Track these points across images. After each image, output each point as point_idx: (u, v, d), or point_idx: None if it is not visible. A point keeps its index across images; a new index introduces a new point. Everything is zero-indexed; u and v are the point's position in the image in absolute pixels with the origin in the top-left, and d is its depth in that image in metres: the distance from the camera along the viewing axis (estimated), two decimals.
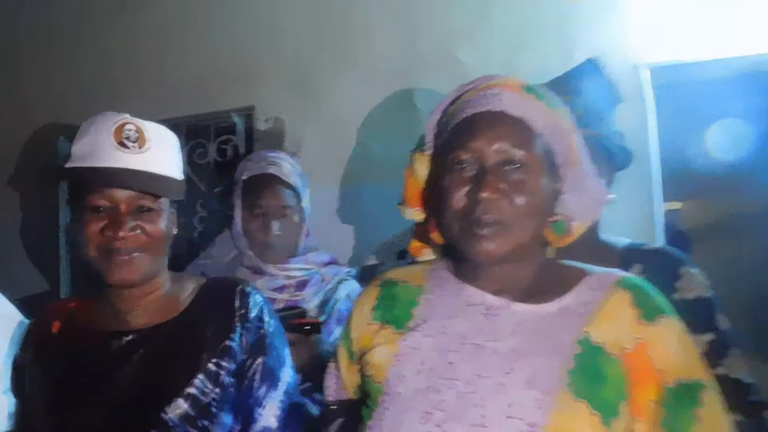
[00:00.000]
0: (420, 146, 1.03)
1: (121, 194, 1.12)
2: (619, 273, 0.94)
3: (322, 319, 1.66)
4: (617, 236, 1.42)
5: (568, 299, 0.90)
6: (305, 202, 1.81)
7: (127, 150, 1.13)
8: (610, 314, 0.87)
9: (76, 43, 2.74)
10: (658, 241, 1.97)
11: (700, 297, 1.25)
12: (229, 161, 2.54)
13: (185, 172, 2.43)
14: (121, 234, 1.11)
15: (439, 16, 2.25)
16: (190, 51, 2.58)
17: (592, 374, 0.83)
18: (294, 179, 1.76)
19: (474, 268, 0.94)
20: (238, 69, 2.50)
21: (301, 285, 1.76)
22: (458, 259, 0.97)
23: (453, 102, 0.98)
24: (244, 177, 1.77)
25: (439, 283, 0.98)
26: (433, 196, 0.97)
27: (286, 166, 1.77)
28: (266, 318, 1.22)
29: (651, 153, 2.04)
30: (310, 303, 1.72)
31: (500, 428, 0.81)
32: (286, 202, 1.74)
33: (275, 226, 1.72)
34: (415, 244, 1.09)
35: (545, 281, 0.93)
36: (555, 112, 0.94)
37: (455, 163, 0.91)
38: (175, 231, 1.24)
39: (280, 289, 1.74)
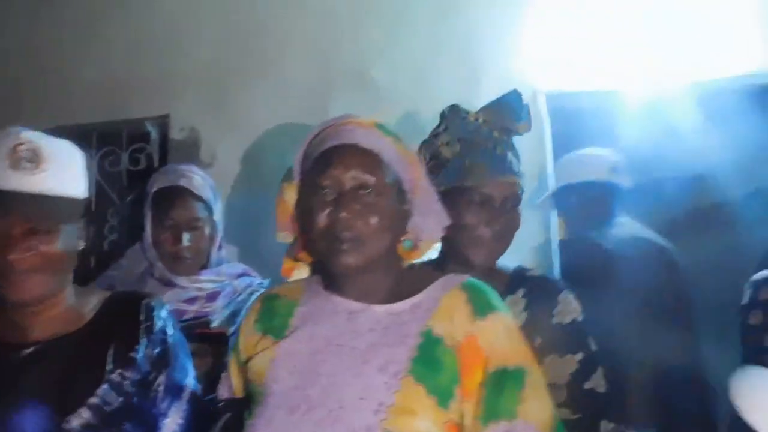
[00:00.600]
0: (288, 177, 1.17)
1: (15, 218, 1.11)
2: (463, 277, 1.10)
3: (232, 329, 1.69)
4: (517, 261, 1.52)
5: (418, 298, 1.06)
6: (217, 215, 1.83)
7: (22, 171, 1.11)
8: (448, 310, 1.03)
9: None
10: (555, 264, 2.12)
11: (575, 320, 1.38)
12: (142, 170, 2.51)
13: (96, 180, 2.40)
14: (11, 258, 1.10)
15: (352, 34, 2.34)
16: (103, 55, 2.54)
17: (431, 362, 0.98)
18: (205, 192, 1.78)
19: (339, 279, 1.08)
20: (153, 76, 2.49)
21: (212, 296, 1.78)
22: (326, 273, 1.12)
23: (315, 137, 1.12)
24: (154, 189, 1.78)
25: (312, 295, 1.13)
26: (300, 220, 1.10)
27: (197, 179, 1.78)
28: (170, 331, 1.26)
29: (548, 177, 2.20)
30: (220, 314, 1.74)
31: (354, 409, 0.95)
32: (197, 215, 1.75)
33: (185, 238, 1.73)
34: (286, 265, 1.23)
35: (401, 286, 1.09)
36: (401, 146, 1.11)
37: (318, 188, 1.05)
38: (81, 245, 1.24)
39: (191, 300, 1.75)
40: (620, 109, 2.19)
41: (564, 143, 2.26)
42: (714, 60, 2.09)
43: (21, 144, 1.12)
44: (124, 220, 2.53)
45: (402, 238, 1.11)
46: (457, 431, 0.97)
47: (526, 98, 1.47)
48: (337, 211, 1.02)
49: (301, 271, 1.23)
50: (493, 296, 1.06)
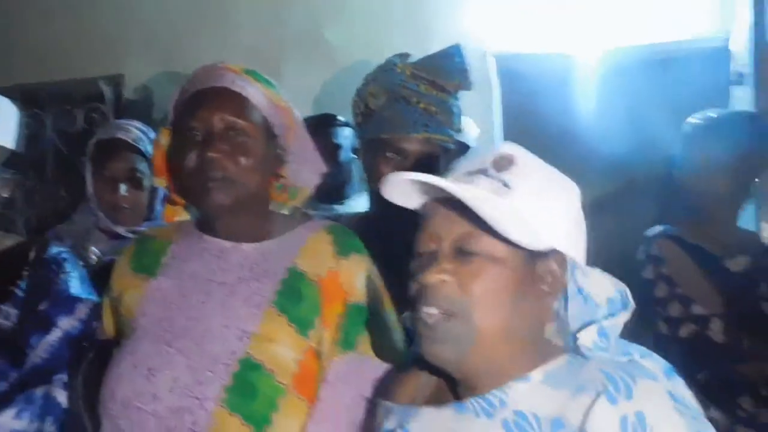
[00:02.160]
0: (164, 123, 1.18)
1: None
2: (329, 222, 1.18)
3: None
4: None
5: (285, 237, 1.11)
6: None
7: None
8: (314, 249, 1.09)
9: None
10: None
11: None
12: (95, 129, 2.51)
13: (50, 139, 2.40)
14: None
15: None
16: (54, 14, 2.52)
17: (294, 294, 1.05)
18: (144, 145, 1.80)
19: (209, 219, 1.11)
20: (105, 36, 2.48)
21: None
22: (198, 213, 1.15)
23: (188, 83, 1.13)
24: (94, 141, 1.81)
25: (184, 236, 1.15)
26: (172, 163, 1.12)
27: (135, 132, 1.80)
28: (66, 269, 1.31)
29: (495, 138, 2.21)
30: None
31: (219, 337, 1.01)
32: (135, 166, 1.78)
33: (122, 188, 1.76)
34: (167, 211, 1.26)
35: (270, 226, 1.13)
36: (271, 92, 1.12)
37: (187, 130, 1.07)
38: (5, 194, 1.32)
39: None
40: (570, 72, 2.20)
41: (514, 105, 2.27)
42: (665, 23, 2.09)
43: None
44: (79, 180, 2.53)
45: (274, 182, 1.14)
46: (315, 357, 1.04)
47: (475, 59, 1.46)
48: (205, 151, 1.03)
49: (183, 216, 1.25)
50: (356, 240, 1.13)
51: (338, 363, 1.04)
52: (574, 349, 0.75)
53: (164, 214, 1.29)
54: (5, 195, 1.33)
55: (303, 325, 1.03)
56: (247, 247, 1.09)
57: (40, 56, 2.52)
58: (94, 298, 1.33)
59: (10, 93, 2.52)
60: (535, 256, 0.73)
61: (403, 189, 0.79)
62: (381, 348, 1.07)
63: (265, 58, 2.26)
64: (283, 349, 1.01)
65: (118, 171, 1.76)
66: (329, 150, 1.87)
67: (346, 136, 2.01)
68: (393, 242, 1.18)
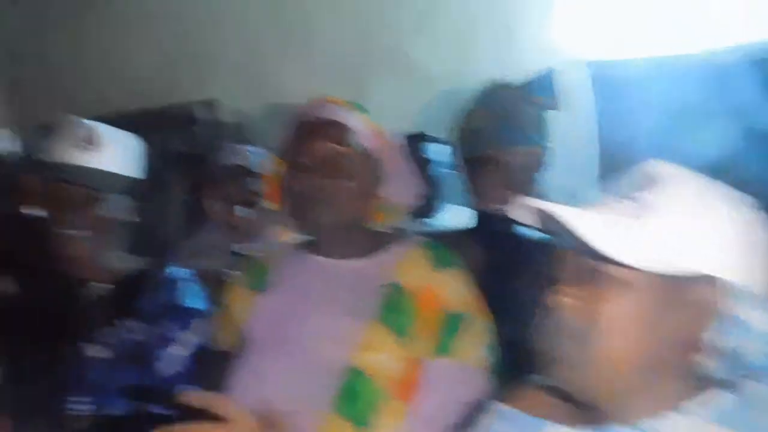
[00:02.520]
0: (278, 153, 1.30)
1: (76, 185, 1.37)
2: (425, 237, 1.28)
3: None
4: None
5: (385, 253, 1.21)
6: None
7: (83, 150, 1.37)
8: (412, 263, 1.18)
9: (42, 43, 2.80)
10: None
11: None
12: (192, 152, 2.61)
13: (148, 163, 2.54)
14: (73, 218, 1.37)
15: (389, 11, 2.33)
16: (149, 45, 2.66)
17: (394, 307, 1.14)
18: (257, 168, 1.91)
19: (316, 238, 1.23)
20: (199, 61, 2.58)
21: None
22: (304, 234, 1.26)
23: (296, 116, 1.25)
24: (211, 165, 1.99)
25: (292, 255, 1.27)
26: (284, 188, 1.23)
27: (249, 156, 1.96)
28: (182, 286, 1.46)
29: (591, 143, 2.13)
30: None
31: (326, 347, 1.11)
32: (250, 188, 1.92)
33: (238, 210, 1.92)
34: (279, 231, 1.45)
35: (371, 243, 1.22)
36: (370, 122, 1.23)
37: (296, 158, 1.18)
38: (125, 217, 1.45)
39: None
40: (668, 77, 2.08)
41: (610, 113, 2.17)
42: None
43: (82, 126, 1.39)
44: (178, 200, 2.63)
45: (373, 202, 1.22)
46: (414, 363, 1.12)
47: (566, 68, 1.50)
48: (312, 177, 1.14)
49: (288, 235, 1.37)
50: (452, 254, 1.21)
51: (435, 368, 1.12)
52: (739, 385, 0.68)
53: (275, 234, 1.43)
54: (129, 219, 1.45)
55: (403, 335, 1.12)
56: (349, 263, 1.19)
57: (136, 84, 2.65)
58: (209, 311, 1.44)
59: (109, 120, 2.71)
60: (681, 280, 0.66)
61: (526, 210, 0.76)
62: (475, 356, 1.14)
63: (350, 77, 2.30)
64: (384, 358, 1.10)
65: (234, 193, 1.90)
66: (419, 166, 1.88)
67: (435, 152, 2.01)
68: (496, 257, 1.36)
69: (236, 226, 1.93)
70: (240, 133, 2.50)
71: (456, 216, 1.76)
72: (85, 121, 1.43)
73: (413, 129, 2.04)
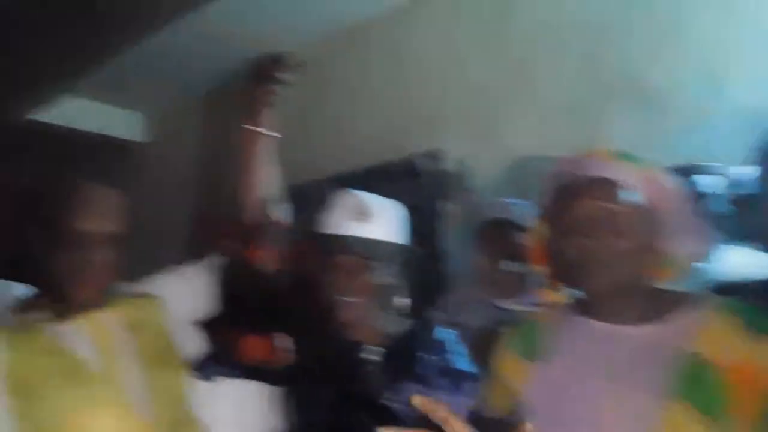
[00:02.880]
0: (539, 214, 1.24)
1: (354, 256, 1.47)
2: (729, 298, 1.08)
3: None
4: None
5: (678, 317, 1.05)
6: None
7: (359, 222, 1.46)
8: (717, 330, 1.01)
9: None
10: None
11: None
12: (416, 203, 2.64)
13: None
14: (350, 286, 1.45)
15: (621, 40, 2.20)
16: (375, 102, 2.79)
17: (698, 383, 0.97)
18: (524, 222, 1.84)
19: (591, 302, 1.13)
20: (423, 113, 2.63)
21: None
22: (579, 298, 1.17)
23: (557, 175, 1.18)
24: (479, 222, 1.99)
25: (565, 320, 1.18)
26: (550, 250, 1.16)
27: (515, 210, 1.92)
28: (451, 348, 1.48)
29: None
30: None
31: (616, 427, 0.99)
32: (516, 242, 1.85)
33: (503, 265, 1.88)
34: (545, 294, 1.33)
35: (658, 305, 1.08)
36: (647, 171, 1.13)
37: (563, 219, 1.11)
38: (395, 281, 1.51)
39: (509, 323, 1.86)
40: None
41: None
42: None
43: (358, 200, 1.48)
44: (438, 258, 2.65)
45: (654, 258, 1.11)
46: None
47: None
48: (583, 238, 1.07)
49: (558, 298, 1.27)
50: (765, 319, 1.01)
51: None
52: None
53: (540, 298, 1.37)
54: (399, 284, 1.51)
55: (712, 417, 0.95)
56: (634, 330, 1.08)
57: (365, 141, 2.77)
58: (478, 374, 1.43)
59: (339, 179, 2.86)
60: None
61: None
62: None
63: (583, 114, 2.20)
64: None
65: (502, 248, 1.89)
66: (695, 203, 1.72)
67: (709, 184, 1.80)
68: None
69: (500, 281, 1.91)
70: (466, 184, 2.50)
71: (744, 261, 1.54)
72: (357, 192, 1.53)
73: (670, 161, 1.88)
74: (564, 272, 1.13)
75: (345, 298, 1.45)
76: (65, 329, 1.40)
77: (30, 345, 1.35)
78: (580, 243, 1.07)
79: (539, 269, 1.27)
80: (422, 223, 2.56)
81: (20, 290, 1.91)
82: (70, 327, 1.40)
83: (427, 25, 2.70)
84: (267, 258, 1.57)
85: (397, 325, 1.52)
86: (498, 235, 1.92)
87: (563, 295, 1.25)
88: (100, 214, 1.42)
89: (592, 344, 1.11)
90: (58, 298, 1.43)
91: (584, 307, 1.15)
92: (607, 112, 2.15)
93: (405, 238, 1.54)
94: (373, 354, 1.46)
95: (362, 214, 1.47)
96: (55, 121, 3.86)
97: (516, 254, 1.86)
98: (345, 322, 1.47)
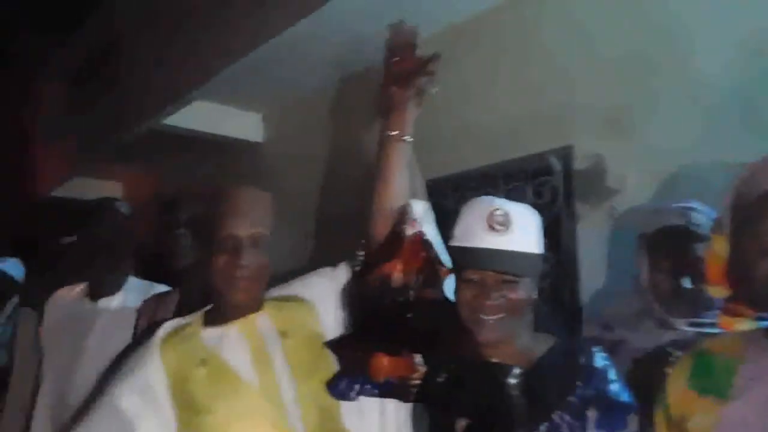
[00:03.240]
0: (717, 227, 1.12)
1: (490, 270, 1.31)
2: None
3: None
4: None
5: None
6: None
7: (495, 233, 1.30)
8: None
9: None
10: None
11: None
12: (546, 203, 2.51)
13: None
14: (487, 303, 1.31)
15: None
16: (502, 97, 2.64)
17: None
18: (703, 230, 1.65)
19: None
20: (552, 110, 2.47)
21: None
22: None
23: (746, 182, 1.04)
24: (651, 230, 1.74)
25: (758, 353, 1.04)
26: (738, 271, 1.03)
27: (697, 217, 1.68)
28: (611, 377, 1.29)
29: None
30: None
31: None
32: (696, 254, 1.64)
33: (685, 281, 1.66)
34: (724, 320, 1.15)
35: None
36: None
37: (760, 235, 0.97)
38: (534, 296, 1.37)
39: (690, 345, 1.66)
40: None
41: None
42: None
43: (496, 209, 1.32)
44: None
45: None
46: None
47: None
48: None
49: (742, 324, 1.13)
50: None
51: None
52: None
53: (720, 323, 1.19)
54: (536, 296, 1.38)
55: None
56: None
57: (491, 138, 2.65)
58: (638, 407, 1.27)
59: (465, 178, 2.77)
60: None
61: None
62: None
63: (737, 99, 1.95)
64: None
65: (678, 260, 1.67)
66: None
67: None
68: None
69: (672, 298, 1.68)
70: (598, 181, 2.32)
71: None
72: (491, 198, 1.38)
73: None
74: (754, 297, 1.01)
75: (483, 317, 1.32)
76: (221, 334, 1.43)
77: (189, 355, 1.41)
78: None
79: (716, 290, 1.14)
80: (556, 227, 2.43)
81: (163, 290, 2.04)
82: (225, 332, 1.43)
83: (556, 9, 2.52)
84: (402, 272, 1.44)
85: (541, 346, 1.39)
86: (674, 246, 1.68)
87: (749, 321, 1.11)
88: (251, 218, 1.43)
89: None
90: (214, 303, 1.46)
91: None
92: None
93: (543, 247, 1.39)
94: (514, 378, 1.33)
95: (499, 223, 1.31)
96: (181, 125, 4.02)
97: (694, 268, 1.63)
98: (483, 343, 1.36)
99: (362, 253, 1.53)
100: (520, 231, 1.32)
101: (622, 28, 2.29)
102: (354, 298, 1.54)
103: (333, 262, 1.62)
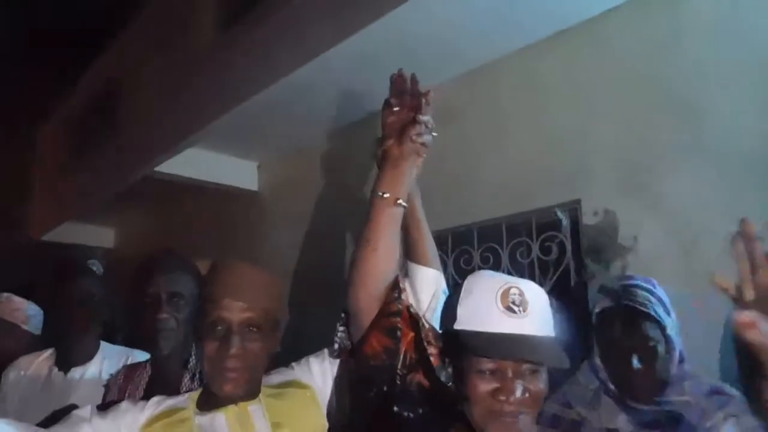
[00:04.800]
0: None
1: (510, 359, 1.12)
2: None
3: None
4: None
5: None
6: (671, 330, 1.56)
7: (514, 315, 1.12)
8: None
9: None
10: None
11: None
12: (554, 259, 2.40)
13: (507, 270, 2.35)
14: (510, 399, 1.10)
15: None
16: (510, 154, 2.56)
17: None
18: (654, 309, 1.54)
19: None
20: (562, 165, 2.38)
21: (675, 420, 1.50)
22: None
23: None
24: (597, 310, 1.63)
25: None
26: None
27: (641, 295, 1.55)
28: None
29: None
30: None
31: None
32: (647, 334, 1.53)
33: (635, 361, 1.53)
34: None
35: None
36: None
37: None
38: (546, 387, 1.18)
39: (652, 425, 1.51)
40: None
41: None
42: None
43: (511, 287, 1.14)
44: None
45: None
46: None
47: None
48: None
49: None
50: None
51: None
52: None
53: None
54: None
55: None
56: None
57: (497, 193, 2.56)
58: None
59: (467, 233, 2.67)
60: None
61: None
62: None
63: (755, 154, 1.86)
64: None
65: (630, 344, 1.54)
66: None
67: None
68: None
69: (631, 379, 1.54)
70: (608, 236, 2.21)
71: None
72: (500, 275, 1.20)
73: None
74: None
75: (504, 418, 1.11)
76: (209, 422, 1.27)
77: None
78: None
79: None
80: (566, 285, 2.31)
81: (137, 360, 1.85)
82: (212, 421, 1.27)
83: (566, 59, 2.45)
84: (397, 351, 1.27)
85: None
86: (621, 325, 1.57)
87: None
88: (247, 299, 1.26)
89: None
90: (205, 387, 1.30)
91: None
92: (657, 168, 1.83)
93: (552, 331, 1.20)
94: None
95: (516, 304, 1.12)
96: (175, 171, 3.94)
97: (642, 348, 1.53)
98: None
99: (342, 328, 1.36)
100: (538, 312, 1.15)
101: (637, 84, 2.22)
102: (344, 381, 1.38)
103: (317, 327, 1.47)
